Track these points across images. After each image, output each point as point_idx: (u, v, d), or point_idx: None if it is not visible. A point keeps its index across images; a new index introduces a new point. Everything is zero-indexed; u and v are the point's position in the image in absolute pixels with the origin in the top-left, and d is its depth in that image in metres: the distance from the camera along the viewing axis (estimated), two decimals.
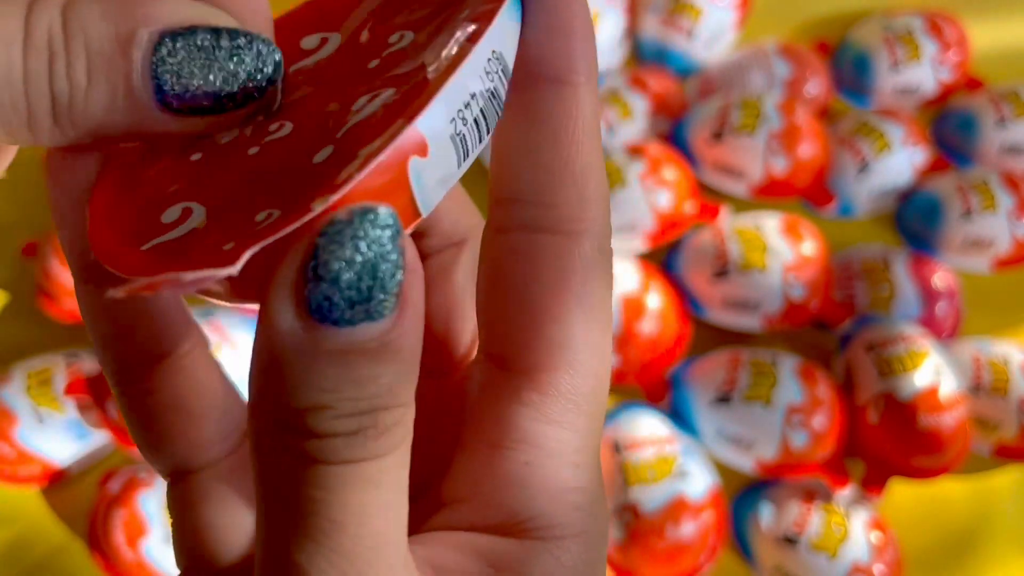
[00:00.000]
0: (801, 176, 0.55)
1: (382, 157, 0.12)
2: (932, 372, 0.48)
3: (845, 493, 0.47)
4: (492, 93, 0.14)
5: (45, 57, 0.13)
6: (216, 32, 0.13)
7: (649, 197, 0.52)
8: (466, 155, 0.14)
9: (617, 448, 0.47)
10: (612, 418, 0.49)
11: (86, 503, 0.48)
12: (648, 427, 0.48)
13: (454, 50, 0.14)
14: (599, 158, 0.15)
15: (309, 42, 0.16)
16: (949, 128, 0.61)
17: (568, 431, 0.15)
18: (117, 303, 0.15)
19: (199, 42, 0.13)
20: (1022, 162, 0.58)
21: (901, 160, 0.57)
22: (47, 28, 0.13)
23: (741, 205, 0.56)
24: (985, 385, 0.50)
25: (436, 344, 0.19)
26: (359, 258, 0.12)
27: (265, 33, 0.15)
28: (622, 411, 0.50)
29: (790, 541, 0.46)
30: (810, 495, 0.48)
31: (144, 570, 0.45)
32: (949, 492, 0.50)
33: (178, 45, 0.13)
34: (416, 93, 0.13)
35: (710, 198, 0.56)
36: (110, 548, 0.45)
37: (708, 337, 0.53)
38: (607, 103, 0.59)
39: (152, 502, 0.45)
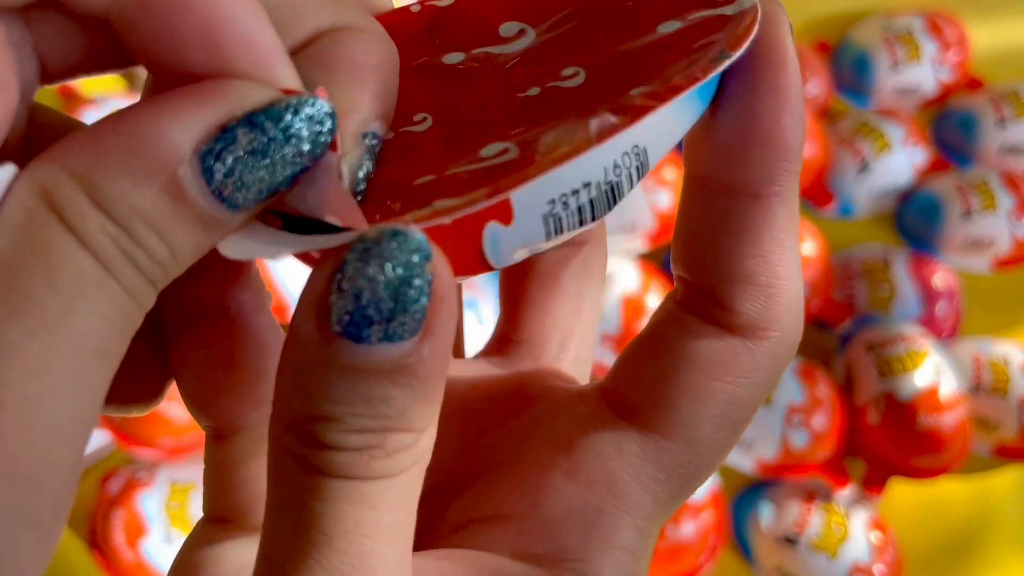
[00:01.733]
0: (801, 176, 0.55)
1: (446, 220, 0.12)
2: (932, 372, 0.48)
3: (845, 493, 0.47)
4: (613, 187, 0.14)
5: (129, 264, 0.12)
6: (251, 123, 0.12)
7: (649, 197, 0.52)
8: (558, 233, 0.13)
9: None
10: None
11: (86, 503, 0.48)
12: None
13: (579, 136, 0.13)
14: (790, 269, 0.15)
15: (508, 29, 0.15)
16: (949, 128, 0.61)
17: (650, 498, 0.15)
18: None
19: (242, 141, 0.12)
20: (1022, 162, 0.58)
21: (901, 160, 0.57)
22: (107, 237, 0.11)
23: None
24: (985, 385, 0.50)
25: (536, 344, 0.19)
26: (382, 278, 0.12)
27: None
28: None
29: (790, 541, 0.46)
30: (810, 495, 0.47)
31: (143, 570, 0.45)
32: (949, 492, 0.50)
33: (222, 154, 0.12)
34: (524, 164, 0.13)
35: None
36: (110, 548, 0.45)
37: None
38: None
39: (152, 502, 0.45)
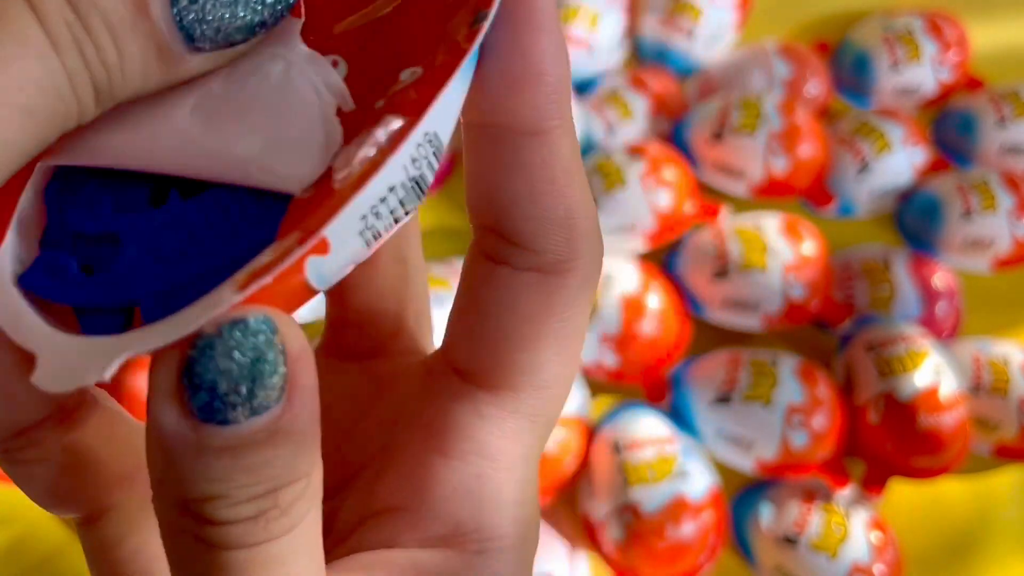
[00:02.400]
0: (801, 176, 0.55)
1: (268, 280, 0.12)
2: (932, 372, 0.48)
3: (845, 493, 0.47)
4: (416, 180, 0.14)
5: (76, 52, 0.12)
6: None
7: (649, 197, 0.52)
8: (377, 239, 0.14)
9: (617, 448, 0.47)
10: (612, 418, 0.49)
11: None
12: (648, 427, 0.48)
13: (372, 153, 0.13)
14: (582, 195, 0.15)
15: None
16: (949, 128, 0.61)
17: (522, 448, 0.15)
18: None
19: None
20: (1022, 162, 0.58)
21: (901, 160, 0.57)
22: (63, 21, 0.12)
23: (741, 205, 0.56)
24: (985, 385, 0.50)
25: (369, 323, 0.19)
26: (234, 367, 0.12)
27: None
28: (622, 411, 0.50)
29: (790, 541, 0.46)
30: (810, 495, 0.47)
31: None
32: (949, 492, 0.50)
33: None
34: (324, 198, 0.13)
35: (710, 198, 0.56)
36: None
37: (708, 337, 0.53)
38: (607, 103, 0.59)
39: None
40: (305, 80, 0.14)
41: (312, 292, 0.13)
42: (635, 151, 0.54)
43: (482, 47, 0.14)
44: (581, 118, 0.58)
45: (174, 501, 0.12)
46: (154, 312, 0.13)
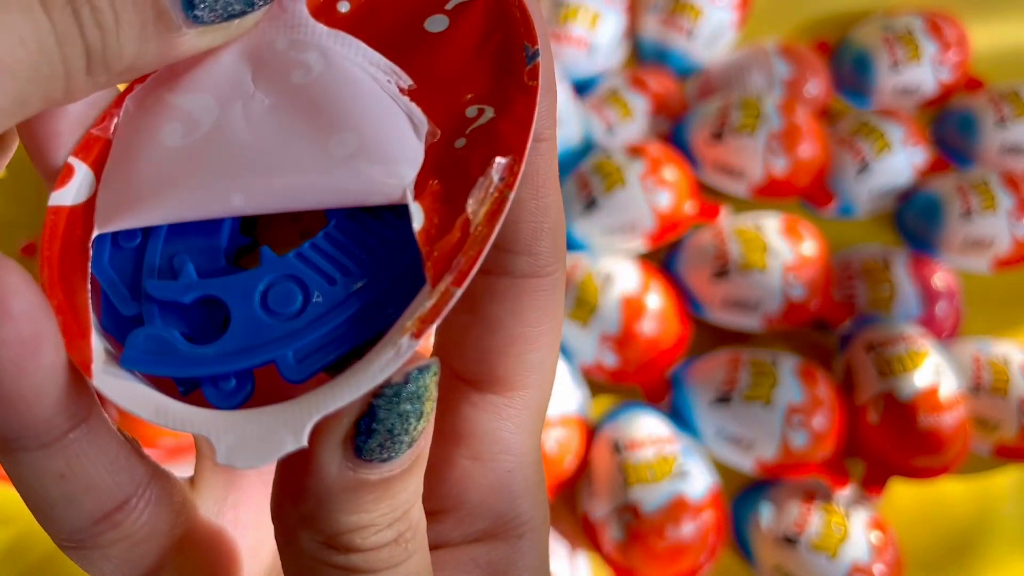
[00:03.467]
0: (801, 176, 0.55)
1: (435, 324, 0.13)
2: (932, 372, 0.48)
3: (845, 493, 0.47)
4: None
5: (69, 11, 0.11)
6: None
7: (649, 197, 0.52)
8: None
9: (617, 448, 0.47)
10: (612, 418, 0.49)
11: None
12: (648, 427, 0.48)
13: (494, 196, 0.13)
14: (560, 202, 0.16)
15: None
16: (949, 128, 0.61)
17: (532, 438, 0.17)
18: None
19: None
20: (1022, 162, 0.58)
21: (901, 160, 0.57)
22: None
23: (741, 205, 0.56)
24: (985, 385, 0.50)
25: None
26: (411, 409, 0.13)
27: None
28: (622, 411, 0.50)
29: (790, 541, 0.46)
30: (810, 495, 0.48)
31: None
32: (949, 492, 0.50)
33: None
34: (463, 239, 0.13)
35: (710, 198, 0.56)
36: None
37: (708, 337, 0.53)
38: (607, 103, 0.59)
39: None
40: (352, 64, 0.14)
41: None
42: (635, 151, 0.54)
43: None
44: (581, 118, 0.58)
45: (322, 537, 0.13)
46: (295, 369, 0.13)
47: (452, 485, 0.17)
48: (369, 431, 0.13)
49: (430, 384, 0.13)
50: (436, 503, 0.17)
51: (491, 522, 0.17)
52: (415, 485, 0.14)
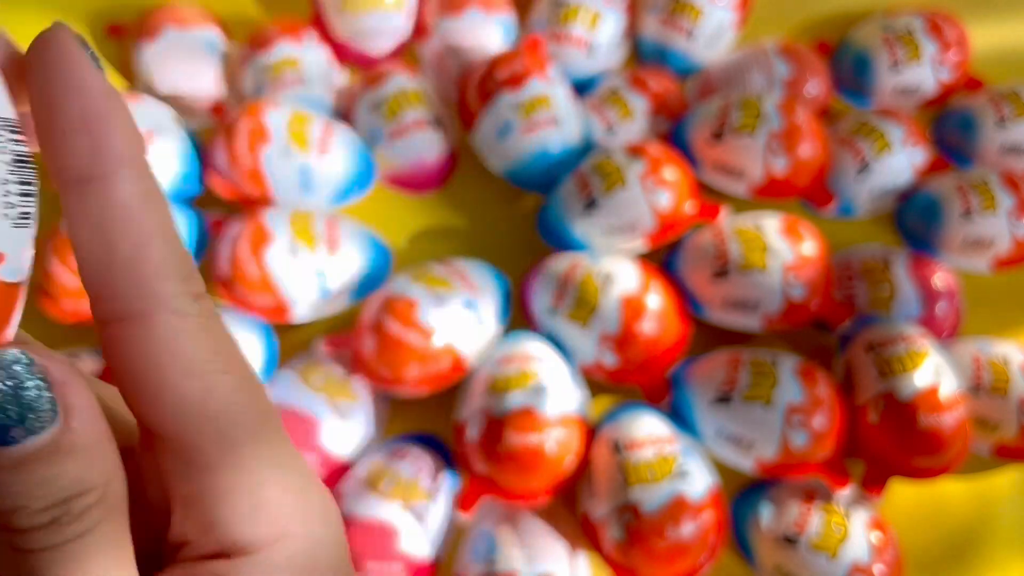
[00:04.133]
0: (801, 176, 0.55)
1: None
2: (932, 372, 0.48)
3: (845, 493, 0.47)
4: (17, 158, 0.14)
5: None
6: None
7: (649, 197, 0.52)
8: (26, 217, 0.14)
9: (617, 448, 0.47)
10: (612, 418, 0.49)
11: None
12: (648, 427, 0.48)
13: None
14: (154, 230, 0.15)
15: None
16: (949, 128, 0.61)
17: (238, 473, 0.16)
18: None
19: None
20: (1022, 162, 0.59)
21: (901, 160, 0.57)
22: None
23: (741, 205, 0.56)
24: (985, 385, 0.50)
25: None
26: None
27: None
28: (622, 411, 0.50)
29: (790, 541, 0.46)
30: (810, 495, 0.48)
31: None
32: (949, 492, 0.50)
33: None
34: None
35: (710, 198, 0.56)
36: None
37: (708, 337, 0.53)
38: (607, 103, 0.59)
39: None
40: None
41: (12, 287, 0.14)
42: (635, 151, 0.54)
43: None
44: (581, 118, 0.58)
45: None
46: None
47: (175, 525, 0.16)
48: None
49: (15, 373, 0.14)
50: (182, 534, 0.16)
51: (213, 550, 0.16)
52: (72, 476, 0.14)
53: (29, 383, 0.14)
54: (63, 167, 0.14)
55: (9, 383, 0.14)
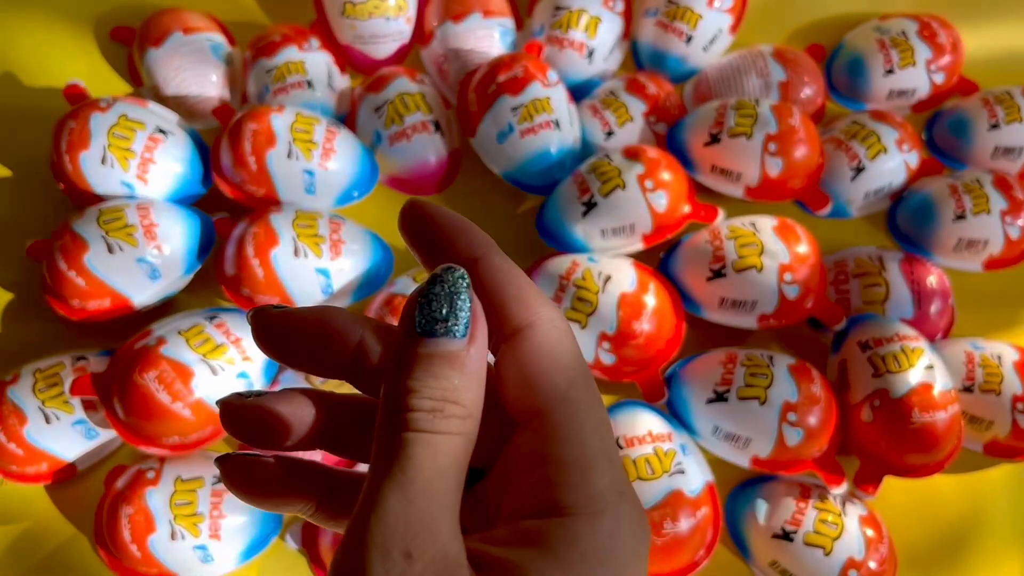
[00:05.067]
0: (796, 178, 0.56)
1: None
2: (925, 371, 0.48)
3: (840, 490, 0.48)
4: None
5: None
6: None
7: (647, 198, 0.53)
8: None
9: (616, 445, 0.47)
10: (610, 415, 0.50)
11: (92, 500, 0.48)
12: (645, 424, 0.48)
13: None
14: (526, 281, 0.21)
15: None
16: (943, 130, 0.62)
17: (575, 446, 0.19)
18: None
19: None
20: (1015, 164, 0.59)
21: (895, 162, 0.58)
22: None
23: (737, 206, 0.57)
24: (978, 383, 0.51)
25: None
26: (442, 293, 0.19)
27: None
28: (620, 408, 0.50)
29: (785, 537, 0.47)
30: (805, 492, 0.48)
31: (150, 565, 0.46)
32: (942, 489, 0.51)
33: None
34: None
35: (707, 200, 0.56)
36: (116, 544, 0.46)
37: (704, 336, 0.54)
38: (606, 106, 0.59)
39: (158, 499, 0.46)
40: None
41: None
42: (633, 153, 0.55)
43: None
44: (580, 121, 0.59)
45: (390, 394, 0.19)
46: None
47: (506, 495, 0.20)
48: (420, 309, 0.19)
49: (457, 282, 0.19)
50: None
51: (533, 509, 0.19)
52: (455, 386, 0.18)
53: (463, 296, 0.19)
54: (457, 257, 0.20)
55: (451, 288, 0.19)
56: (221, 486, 0.46)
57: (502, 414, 0.21)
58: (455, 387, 0.19)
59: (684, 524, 0.45)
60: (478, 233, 0.21)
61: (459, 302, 0.19)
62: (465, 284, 0.19)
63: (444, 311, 0.19)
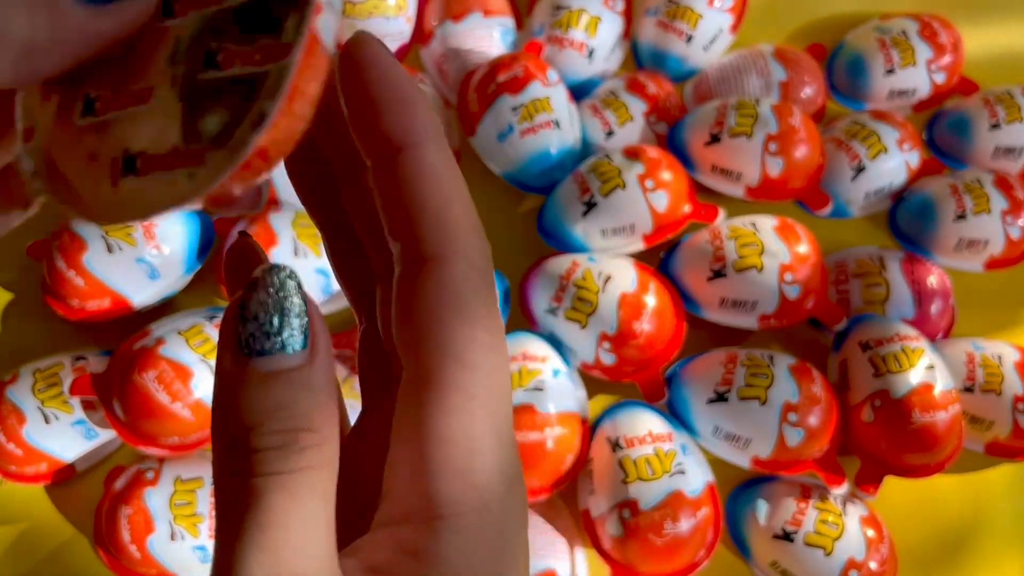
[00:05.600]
0: (797, 178, 0.56)
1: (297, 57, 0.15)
2: (926, 371, 0.48)
3: (840, 490, 0.48)
4: None
5: None
6: None
7: (647, 198, 0.53)
8: None
9: (616, 445, 0.47)
10: (611, 415, 0.50)
11: (92, 501, 0.48)
12: (646, 424, 0.48)
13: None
14: (455, 194, 0.18)
15: None
16: (943, 130, 0.62)
17: (465, 419, 0.17)
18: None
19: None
20: (1016, 164, 0.59)
21: (896, 162, 0.58)
22: None
23: (738, 206, 0.57)
24: (979, 384, 0.51)
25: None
26: (269, 299, 0.15)
27: None
28: (620, 409, 0.50)
29: (786, 537, 0.47)
30: (806, 492, 0.48)
31: (149, 566, 0.46)
32: (943, 489, 0.51)
33: None
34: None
35: (707, 199, 0.56)
36: (116, 545, 0.46)
37: (705, 336, 0.54)
38: (606, 106, 0.59)
39: (158, 499, 0.46)
40: None
41: (327, 56, 0.15)
42: (633, 153, 0.55)
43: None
44: (580, 120, 0.59)
45: (226, 438, 0.15)
46: None
47: (391, 469, 0.17)
48: (245, 324, 0.15)
49: (285, 283, 0.15)
50: (384, 487, 0.17)
51: (414, 506, 0.16)
52: (304, 410, 0.15)
53: (294, 299, 0.15)
54: (379, 140, 0.17)
55: (279, 293, 0.15)
56: None
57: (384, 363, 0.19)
58: (304, 411, 0.15)
59: (684, 524, 0.45)
60: (420, 110, 0.17)
61: (291, 308, 0.15)
62: (295, 285, 0.16)
63: (275, 322, 0.15)
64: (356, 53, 0.17)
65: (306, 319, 0.15)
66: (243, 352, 0.15)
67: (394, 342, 0.18)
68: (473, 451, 0.16)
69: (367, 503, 0.18)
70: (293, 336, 0.15)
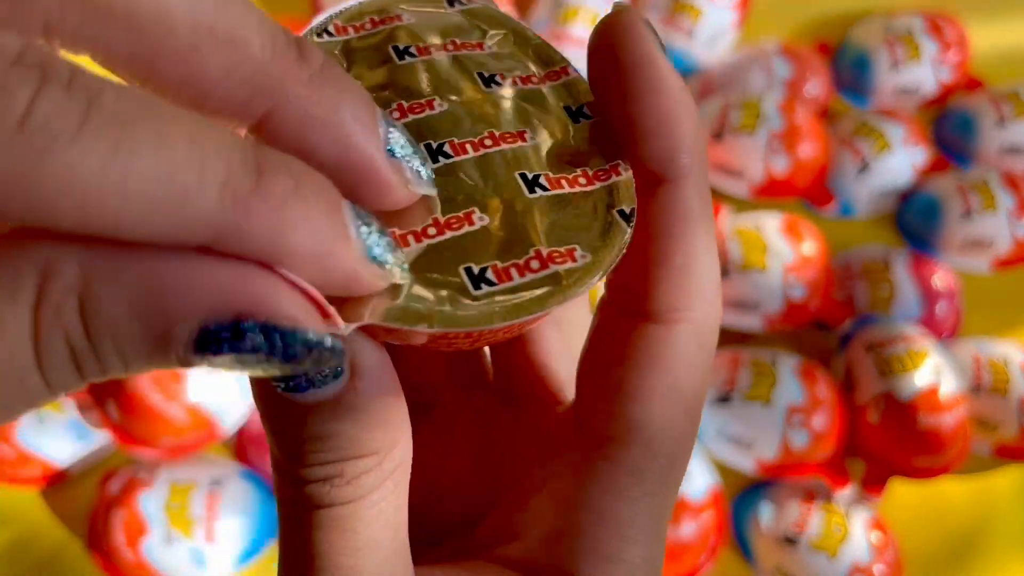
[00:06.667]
0: (801, 176, 0.55)
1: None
2: (932, 372, 0.48)
3: (845, 493, 0.47)
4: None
5: (71, 368, 0.11)
6: (268, 332, 0.12)
7: None
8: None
9: None
10: None
11: (86, 504, 0.48)
12: None
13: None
14: (703, 246, 0.15)
15: None
16: (949, 128, 0.61)
17: (626, 505, 0.16)
18: None
19: (248, 345, 0.11)
20: (1022, 162, 0.59)
21: (901, 160, 0.57)
22: (64, 337, 0.11)
23: (741, 205, 0.56)
24: (985, 385, 0.50)
25: (528, 377, 0.19)
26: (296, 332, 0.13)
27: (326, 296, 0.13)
28: None
29: (790, 541, 0.46)
30: (810, 495, 0.48)
31: (143, 570, 0.45)
32: (949, 492, 0.50)
33: (223, 348, 0.11)
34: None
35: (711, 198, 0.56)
36: (110, 548, 0.45)
37: None
38: None
39: (152, 502, 0.45)
40: None
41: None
42: None
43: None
44: None
45: (279, 470, 0.14)
46: None
47: (536, 513, 0.17)
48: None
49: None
50: (523, 523, 0.17)
51: (542, 565, 0.16)
52: (350, 437, 0.14)
53: (325, 338, 0.13)
54: (636, 167, 0.15)
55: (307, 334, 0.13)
56: (216, 489, 0.46)
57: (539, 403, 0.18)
58: (348, 441, 0.14)
59: (687, 529, 0.45)
60: (688, 128, 0.14)
61: (322, 343, 0.12)
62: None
63: (302, 360, 0.13)
64: (619, 40, 0.14)
65: (339, 346, 0.13)
66: (278, 386, 0.13)
67: (577, 382, 0.16)
68: (624, 539, 0.16)
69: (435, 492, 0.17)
70: (326, 369, 0.13)
